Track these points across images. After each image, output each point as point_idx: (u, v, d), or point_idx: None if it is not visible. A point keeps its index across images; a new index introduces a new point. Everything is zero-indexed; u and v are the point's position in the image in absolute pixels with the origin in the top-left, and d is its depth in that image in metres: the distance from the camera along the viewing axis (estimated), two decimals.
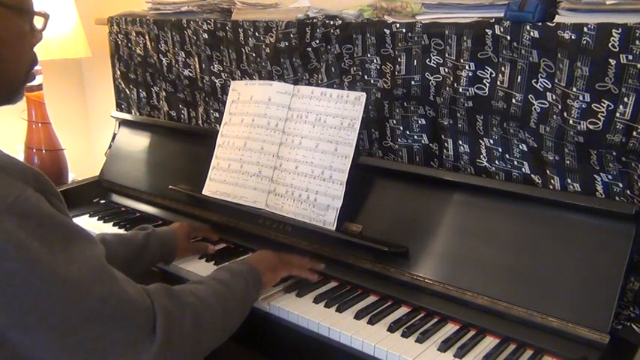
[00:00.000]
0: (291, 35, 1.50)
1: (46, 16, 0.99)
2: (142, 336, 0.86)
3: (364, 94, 1.37)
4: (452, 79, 1.27)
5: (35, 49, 0.97)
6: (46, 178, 0.87)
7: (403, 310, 1.21)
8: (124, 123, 2.02)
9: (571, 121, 1.11)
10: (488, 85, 1.24)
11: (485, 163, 1.31)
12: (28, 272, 0.77)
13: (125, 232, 1.58)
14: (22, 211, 0.78)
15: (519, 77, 1.17)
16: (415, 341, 1.09)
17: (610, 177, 1.13)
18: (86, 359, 0.82)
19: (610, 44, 1.02)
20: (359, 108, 1.37)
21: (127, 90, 2.08)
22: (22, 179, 0.81)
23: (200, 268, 1.38)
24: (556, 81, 1.12)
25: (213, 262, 1.41)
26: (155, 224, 1.67)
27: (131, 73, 2.04)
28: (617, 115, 1.06)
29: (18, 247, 0.76)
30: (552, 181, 1.21)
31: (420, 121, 1.39)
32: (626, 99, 1.04)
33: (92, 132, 2.79)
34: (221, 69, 1.74)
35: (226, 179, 1.55)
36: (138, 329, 0.86)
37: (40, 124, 2.14)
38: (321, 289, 1.29)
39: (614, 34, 1.01)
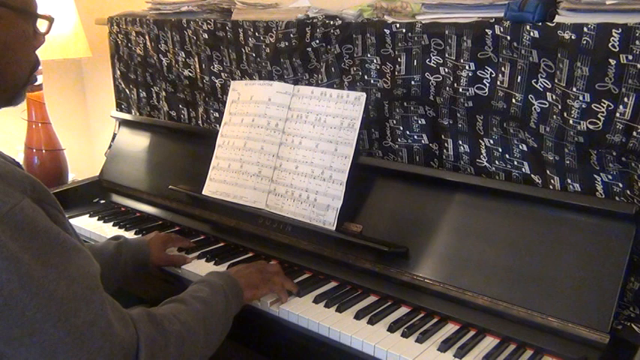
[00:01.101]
0: (291, 35, 1.50)
1: (50, 20, 0.99)
2: None
3: (364, 94, 1.37)
4: (452, 79, 1.27)
5: (37, 51, 0.97)
6: (44, 187, 0.85)
7: (403, 310, 1.21)
8: (124, 123, 2.02)
9: (571, 121, 1.11)
10: (488, 85, 1.24)
11: (486, 163, 1.31)
12: (16, 286, 0.75)
13: (101, 241, 1.53)
14: (16, 222, 0.76)
15: (519, 77, 1.17)
16: (415, 341, 1.09)
17: (610, 177, 1.13)
18: None
19: (610, 44, 1.02)
20: (359, 108, 1.37)
21: (127, 90, 2.08)
22: (20, 189, 0.80)
23: (200, 268, 1.38)
24: (556, 81, 1.12)
25: (213, 262, 1.41)
26: (155, 224, 1.68)
27: (131, 73, 2.04)
28: (617, 115, 1.06)
29: (9, 259, 0.75)
30: (552, 181, 1.21)
31: (420, 121, 1.39)
32: (626, 99, 1.04)
33: (92, 132, 2.79)
34: (221, 69, 1.74)
35: (226, 179, 1.55)
36: (120, 358, 0.83)
37: (40, 124, 2.14)
38: (321, 289, 1.29)
39: (614, 34, 1.01)
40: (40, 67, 2.03)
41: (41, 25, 0.97)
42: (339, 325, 1.14)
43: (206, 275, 1.17)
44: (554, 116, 1.15)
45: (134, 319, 0.89)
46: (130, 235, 1.60)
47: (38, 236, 0.78)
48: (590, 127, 1.09)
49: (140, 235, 1.59)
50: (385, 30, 1.34)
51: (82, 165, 2.55)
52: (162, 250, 1.42)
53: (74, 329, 0.79)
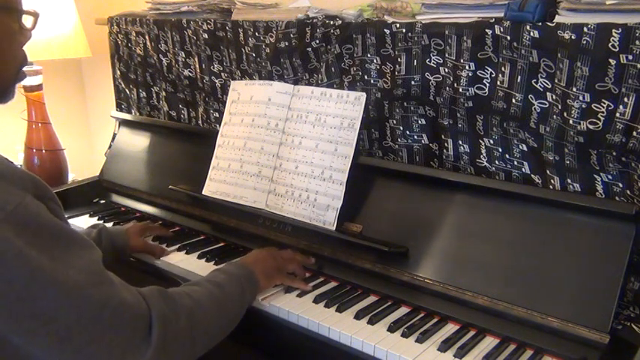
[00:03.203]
0: (291, 35, 1.50)
1: (35, 15, 0.98)
2: (138, 340, 0.86)
3: (364, 94, 1.37)
4: (452, 79, 1.27)
5: (25, 47, 0.97)
6: (44, 183, 0.87)
7: (403, 310, 1.21)
8: (124, 123, 2.02)
9: (571, 121, 1.11)
10: (488, 85, 1.24)
11: (486, 163, 1.31)
12: (27, 280, 0.77)
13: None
14: (21, 219, 0.78)
15: (519, 77, 1.17)
16: (415, 341, 1.09)
17: (610, 177, 1.13)
18: None
19: (610, 44, 1.02)
20: (359, 108, 1.37)
21: (127, 90, 2.08)
22: (21, 186, 0.81)
23: (200, 268, 1.38)
24: (556, 81, 1.12)
25: (214, 262, 1.41)
26: (155, 224, 1.68)
27: (131, 73, 2.04)
28: (617, 115, 1.06)
29: (17, 255, 0.77)
30: (552, 181, 1.21)
31: (420, 121, 1.39)
32: (626, 99, 1.04)
33: (92, 132, 2.79)
34: (221, 69, 1.74)
35: (226, 179, 1.55)
36: (135, 333, 0.86)
37: (40, 124, 2.14)
38: (321, 289, 1.29)
39: (614, 34, 1.01)
40: (39, 67, 2.05)
41: (27, 20, 0.97)
42: (339, 325, 1.14)
43: (223, 265, 1.20)
44: (554, 116, 1.15)
45: (145, 294, 0.92)
46: None
47: (43, 231, 0.81)
48: (590, 127, 1.09)
49: None
50: (385, 30, 1.34)
51: (82, 165, 2.55)
52: (140, 237, 1.47)
53: (88, 312, 0.81)
